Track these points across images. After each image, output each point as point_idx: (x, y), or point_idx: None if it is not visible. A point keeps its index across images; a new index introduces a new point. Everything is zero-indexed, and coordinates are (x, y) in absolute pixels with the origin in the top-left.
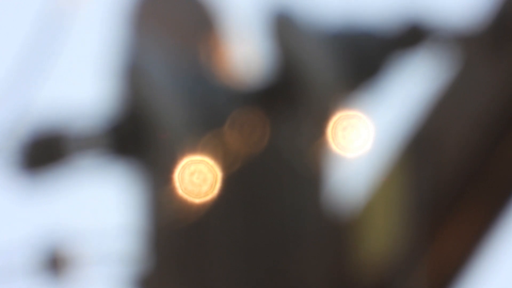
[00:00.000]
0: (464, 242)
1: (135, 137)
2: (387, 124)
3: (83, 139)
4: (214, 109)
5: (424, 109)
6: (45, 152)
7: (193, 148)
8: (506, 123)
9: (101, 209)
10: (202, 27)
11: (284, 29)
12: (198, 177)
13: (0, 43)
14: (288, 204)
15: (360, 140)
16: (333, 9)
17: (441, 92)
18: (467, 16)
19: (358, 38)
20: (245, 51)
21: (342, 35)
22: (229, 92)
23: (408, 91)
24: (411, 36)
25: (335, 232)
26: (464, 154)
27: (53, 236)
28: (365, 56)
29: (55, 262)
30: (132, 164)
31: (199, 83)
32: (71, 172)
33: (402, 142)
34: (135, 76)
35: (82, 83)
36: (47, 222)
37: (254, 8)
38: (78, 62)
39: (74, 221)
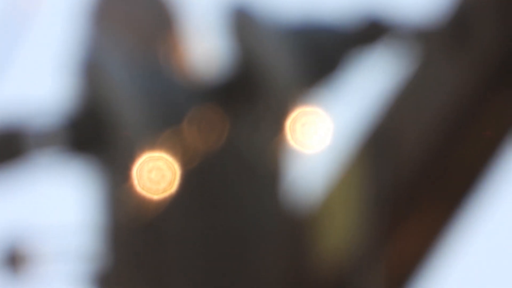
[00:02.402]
0: (423, 239)
1: (93, 134)
2: (345, 121)
3: (41, 136)
4: (173, 106)
5: (383, 105)
6: (3, 149)
7: (151, 145)
8: (464, 120)
9: (60, 206)
10: (160, 25)
11: (243, 25)
12: (156, 174)
13: None
14: (246, 201)
15: (319, 136)
16: (292, 5)
17: (400, 88)
18: (426, 13)
19: (317, 34)
20: (203, 48)
21: (301, 31)
22: (187, 89)
23: (367, 87)
24: (370, 32)
25: (294, 228)
26: (423, 151)
27: (11, 233)
28: (323, 53)
29: (13, 259)
30: (91, 161)
31: (158, 80)
32: (29, 169)
33: (361, 139)
34: (93, 73)
35: (41, 81)
36: (6, 219)
37: (213, 4)
38: (36, 59)
39: (32, 218)
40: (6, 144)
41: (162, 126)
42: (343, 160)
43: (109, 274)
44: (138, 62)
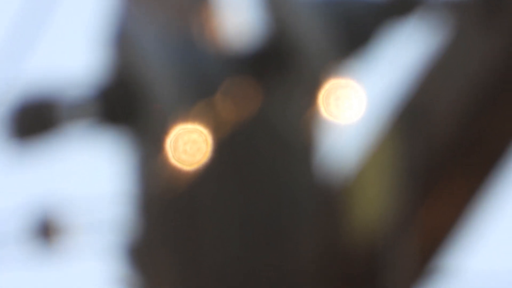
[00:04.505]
0: (454, 209)
1: (126, 106)
2: (379, 92)
3: (74, 107)
4: (206, 77)
5: (416, 77)
6: (36, 120)
7: (185, 117)
8: (497, 91)
9: (93, 177)
10: None
11: None
12: (190, 146)
13: None
14: (280, 172)
15: (352, 108)
16: None
17: (432, 60)
18: None
19: (350, 5)
20: (236, 19)
21: (334, 2)
22: (220, 60)
23: (400, 59)
24: (403, 4)
25: (327, 199)
26: (455, 122)
27: (44, 204)
28: (357, 24)
29: (46, 230)
30: (124, 132)
31: (191, 52)
32: (62, 140)
33: (394, 110)
34: (126, 45)
35: (74, 52)
36: (39, 190)
37: None
38: (69, 30)
39: (65, 189)
40: (39, 116)
41: (195, 98)
42: (376, 132)
43: (142, 246)
44: (170, 34)
